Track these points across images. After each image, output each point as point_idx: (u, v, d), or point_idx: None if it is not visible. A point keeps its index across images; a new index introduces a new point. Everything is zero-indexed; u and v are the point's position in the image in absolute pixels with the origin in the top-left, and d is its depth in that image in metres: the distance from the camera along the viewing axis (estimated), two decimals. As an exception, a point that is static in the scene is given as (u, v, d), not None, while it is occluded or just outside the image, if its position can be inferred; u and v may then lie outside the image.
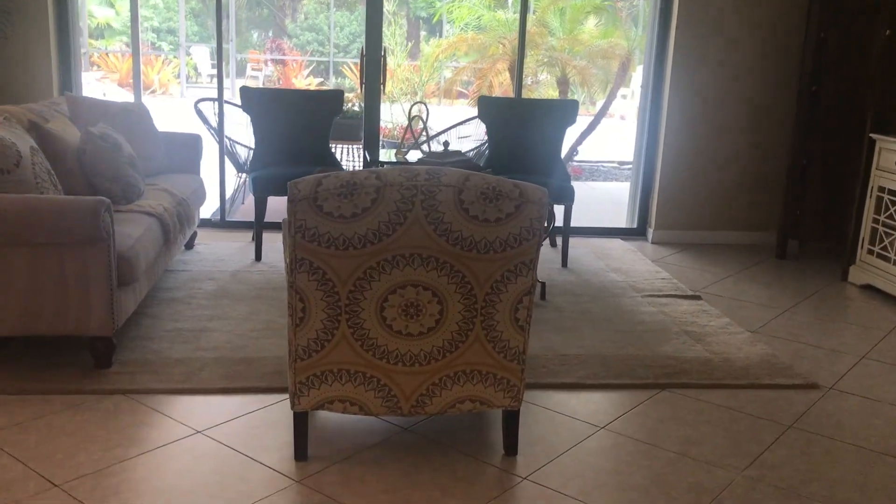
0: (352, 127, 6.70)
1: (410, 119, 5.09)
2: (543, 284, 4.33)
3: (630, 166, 6.85)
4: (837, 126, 5.20)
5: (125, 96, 12.28)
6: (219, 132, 5.69)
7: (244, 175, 6.13)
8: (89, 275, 3.06)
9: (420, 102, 5.40)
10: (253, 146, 5.23)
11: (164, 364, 3.25)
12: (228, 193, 6.16)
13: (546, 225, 5.26)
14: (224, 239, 5.28)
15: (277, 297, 4.10)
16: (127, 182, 3.85)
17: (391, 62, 11.96)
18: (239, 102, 5.17)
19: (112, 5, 16.09)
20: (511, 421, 2.69)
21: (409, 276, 2.43)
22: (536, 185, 2.45)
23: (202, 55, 16.73)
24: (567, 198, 4.87)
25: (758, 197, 5.74)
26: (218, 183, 5.63)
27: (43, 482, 2.42)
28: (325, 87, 14.35)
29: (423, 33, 16.06)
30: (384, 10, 5.42)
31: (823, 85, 5.15)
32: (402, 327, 2.48)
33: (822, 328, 4.11)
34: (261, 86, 14.54)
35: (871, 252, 4.71)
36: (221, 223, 5.63)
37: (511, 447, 2.70)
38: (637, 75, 10.86)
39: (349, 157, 7.50)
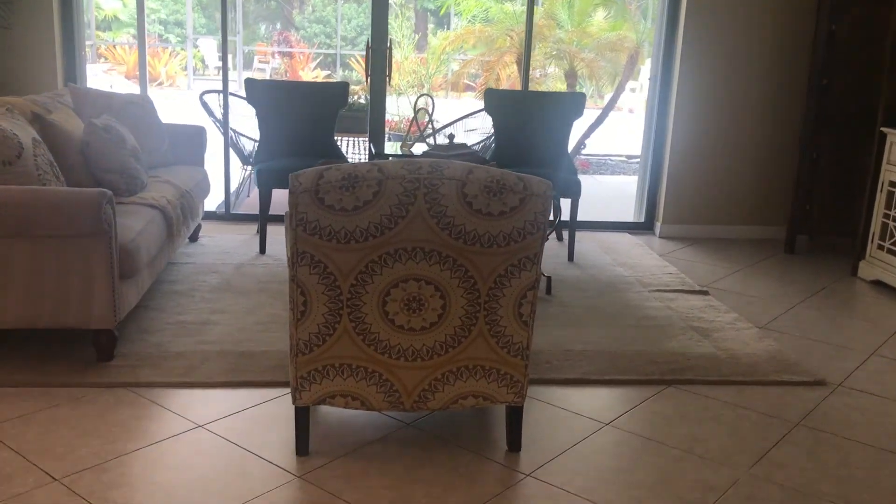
0: (358, 119, 6.67)
1: (416, 112, 5.05)
2: (549, 279, 4.29)
3: (638, 160, 6.80)
4: (848, 120, 5.14)
5: (132, 88, 12.28)
6: (224, 124, 5.67)
7: (249, 167, 6.11)
8: (91, 267, 3.04)
9: (426, 95, 5.36)
10: (258, 138, 5.20)
11: (166, 357, 3.23)
12: (234, 186, 6.14)
13: (552, 219, 5.24)
14: (229, 232, 5.26)
15: (281, 291, 4.08)
16: (130, 174, 3.83)
17: (398, 55, 11.92)
18: (244, 95, 5.14)
19: (119, -3, 16.08)
20: (514, 417, 2.66)
21: (412, 270, 2.40)
22: (541, 179, 2.42)
23: (209, 47, 16.71)
24: (574, 191, 4.83)
25: (767, 191, 5.69)
26: (223, 175, 5.61)
27: (43, 476, 2.40)
28: (331, 80, 14.31)
29: (430, 26, 16.00)
30: (390, 1, 5.38)
31: (834, 78, 5.10)
32: (404, 322, 2.45)
33: (831, 324, 4.06)
34: (268, 78, 14.52)
35: (881, 247, 4.66)
36: (226, 216, 5.62)
37: (514, 443, 2.67)
38: (646, 68, 10.79)
39: (355, 149, 7.48)
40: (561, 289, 4.34)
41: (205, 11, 17.27)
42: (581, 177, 5.08)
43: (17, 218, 2.94)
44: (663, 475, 2.57)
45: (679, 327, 3.84)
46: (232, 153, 5.72)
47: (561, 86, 10.89)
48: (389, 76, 5.45)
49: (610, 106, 10.12)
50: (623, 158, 10.37)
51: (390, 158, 4.46)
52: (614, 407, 3.04)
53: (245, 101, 5.20)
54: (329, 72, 15.93)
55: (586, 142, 9.58)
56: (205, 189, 4.76)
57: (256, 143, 5.34)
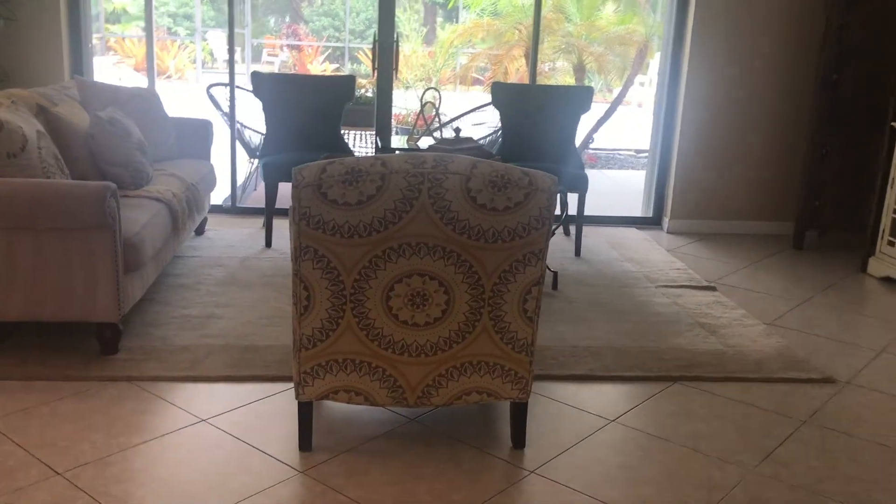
0: (365, 113, 6.64)
1: (423, 105, 5.03)
2: (556, 274, 4.27)
3: (646, 154, 6.76)
4: (858, 115, 5.09)
5: (141, 81, 12.29)
6: (230, 118, 5.66)
7: (256, 161, 6.10)
8: (95, 260, 3.03)
9: (432, 88, 5.33)
10: (264, 132, 5.19)
11: (171, 351, 3.22)
12: (241, 179, 6.14)
13: (559, 214, 5.22)
14: (235, 225, 5.26)
15: (286, 285, 4.07)
16: (135, 167, 3.82)
17: (406, 48, 11.90)
18: (251, 88, 5.13)
19: (128, -10, 16.08)
20: (519, 413, 2.64)
21: (416, 265, 2.38)
22: (546, 173, 2.40)
23: (218, 40, 16.69)
24: (581, 186, 4.80)
25: (775, 186, 5.65)
26: (229, 169, 5.60)
27: (45, 469, 2.40)
28: (338, 73, 14.28)
29: (439, 19, 15.95)
30: (398, -6, 5.35)
31: (844, 72, 5.04)
32: (407, 317, 2.44)
33: (840, 321, 4.03)
34: (276, 71, 14.51)
35: (891, 243, 4.61)
36: (233, 209, 5.61)
37: (518, 440, 2.66)
38: (655, 62, 10.72)
39: (362, 143, 7.46)
40: (567, 284, 4.32)
41: (213, 4, 17.25)
42: (589, 171, 5.05)
43: (20, 211, 2.93)
44: (669, 473, 2.55)
45: (686, 323, 3.81)
46: (239, 146, 5.71)
47: (569, 80, 10.83)
48: (396, 70, 5.43)
49: (618, 100, 10.07)
50: (631, 153, 10.32)
51: (397, 152, 4.45)
52: (620, 403, 3.02)
53: (252, 95, 5.18)
54: (337, 65, 15.89)
55: (594, 136, 9.53)
56: (211, 182, 4.75)
57: (263, 137, 5.32)
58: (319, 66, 15.06)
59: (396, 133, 6.88)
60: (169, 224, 3.71)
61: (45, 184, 3.00)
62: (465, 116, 6.73)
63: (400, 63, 5.47)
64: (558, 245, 5.09)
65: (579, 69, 10.39)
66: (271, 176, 4.69)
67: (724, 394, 3.13)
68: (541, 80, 9.66)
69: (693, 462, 2.62)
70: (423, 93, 5.07)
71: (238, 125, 5.73)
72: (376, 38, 5.35)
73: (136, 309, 3.61)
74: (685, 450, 2.70)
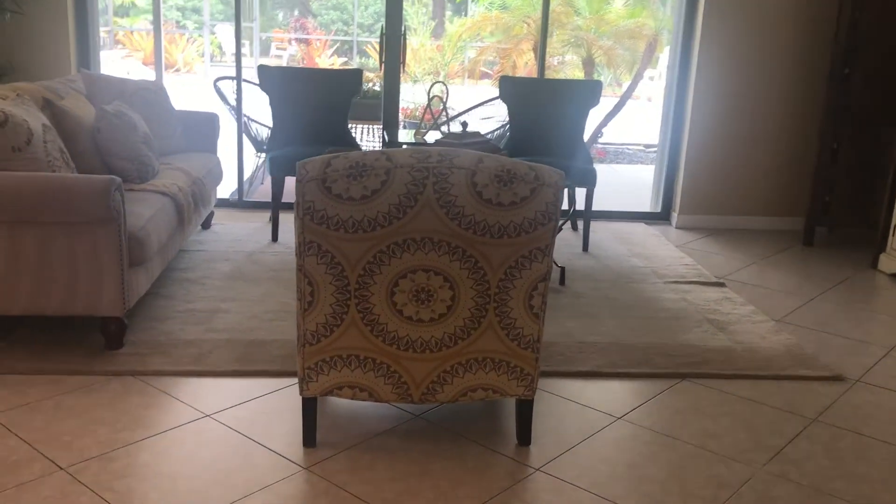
0: (372, 107, 6.62)
1: (430, 99, 5.00)
2: (563, 269, 4.24)
3: (655, 149, 6.72)
4: (869, 109, 5.04)
5: (149, 75, 12.29)
6: (237, 111, 5.65)
7: (263, 155, 6.09)
8: (100, 255, 3.02)
9: (440, 82, 5.31)
10: (271, 126, 5.17)
11: (175, 345, 3.21)
12: (248, 173, 6.13)
13: (567, 208, 5.19)
14: (241, 219, 5.25)
15: (293, 279, 4.05)
16: (141, 161, 3.81)
17: (415, 41, 11.86)
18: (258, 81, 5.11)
19: (137, -17, 16.09)
20: (524, 410, 2.62)
21: (420, 260, 2.36)
22: (553, 168, 2.37)
23: (227, 34, 16.69)
24: (589, 181, 4.76)
25: (786, 182, 5.60)
26: (236, 163, 5.59)
27: (48, 464, 2.39)
28: (346, 67, 14.26)
29: (447, 12, 15.90)
30: (405, -13, 5.32)
31: (857, 67, 4.99)
32: (412, 313, 2.42)
33: (850, 318, 3.99)
34: (284, 65, 14.49)
35: (902, 240, 4.57)
36: (239, 203, 5.60)
37: (524, 437, 2.63)
38: (664, 56, 10.66)
39: (370, 137, 7.43)
40: (575, 279, 4.29)
41: (222, -3, 17.23)
42: (597, 166, 5.02)
43: (25, 204, 2.92)
44: (676, 471, 2.53)
45: (694, 320, 3.78)
46: (246, 140, 5.70)
47: (578, 74, 10.78)
48: (404, 63, 5.40)
49: (627, 94, 10.01)
50: (640, 147, 10.26)
51: (404, 146, 4.43)
52: (627, 400, 2.99)
53: (259, 88, 5.16)
54: (346, 59, 15.87)
55: (603, 130, 9.48)
56: (217, 176, 4.74)
57: (270, 131, 5.31)
58: (328, 60, 15.05)
59: (404, 127, 6.86)
60: (174, 218, 3.70)
61: (50, 177, 2.99)
62: (473, 110, 6.70)
63: (408, 57, 5.44)
64: (566, 240, 5.07)
65: (588, 63, 10.34)
66: (278, 170, 4.68)
67: (732, 391, 3.10)
68: (549, 74, 9.61)
69: (700, 460, 2.60)
70: (431, 87, 5.04)
71: (245, 119, 5.71)
72: (384, 31, 5.33)
73: (142, 303, 3.61)
74: (692, 448, 2.67)
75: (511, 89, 5.18)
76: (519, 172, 2.32)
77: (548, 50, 5.77)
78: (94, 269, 3.03)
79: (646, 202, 6.06)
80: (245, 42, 15.62)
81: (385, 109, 5.48)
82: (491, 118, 8.90)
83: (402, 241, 2.33)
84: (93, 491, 2.27)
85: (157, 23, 6.41)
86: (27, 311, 3.06)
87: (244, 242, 4.69)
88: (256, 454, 2.51)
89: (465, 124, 4.25)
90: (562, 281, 4.21)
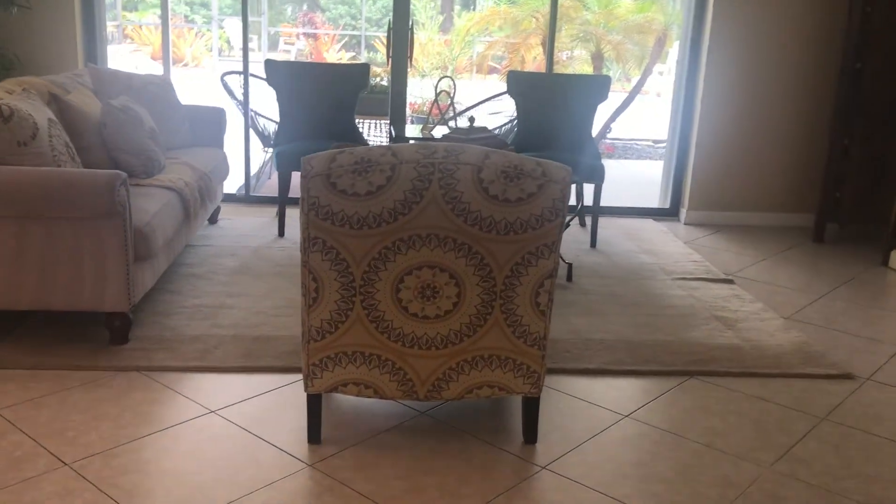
0: (380, 102, 6.60)
1: (437, 94, 4.97)
2: (570, 265, 4.22)
3: (664, 145, 6.68)
4: (880, 105, 4.99)
5: (157, 69, 12.30)
6: (244, 106, 5.64)
7: (270, 150, 6.08)
8: (105, 250, 3.01)
9: (447, 77, 5.28)
10: (278, 120, 5.16)
11: (181, 341, 3.21)
12: (255, 168, 6.12)
13: (575, 204, 5.16)
14: (248, 214, 5.24)
15: (299, 275, 4.03)
16: (147, 156, 3.80)
17: (422, 36, 11.82)
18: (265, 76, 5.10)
19: (146, -23, 16.09)
20: (531, 408, 2.60)
21: (426, 257, 2.34)
22: (560, 164, 2.35)
23: (235, 28, 16.68)
24: (597, 177, 4.74)
25: (796, 178, 5.56)
26: (243, 158, 5.58)
27: (53, 460, 2.39)
28: (354, 62, 14.24)
29: (455, 7, 15.85)
30: (413, -19, 5.29)
31: (867, 62, 4.94)
32: (418, 310, 2.40)
33: (860, 315, 3.95)
34: (292, 60, 14.48)
35: (913, 237, 4.53)
36: (246, 198, 5.59)
37: (530, 435, 2.62)
38: (673, 51, 10.60)
39: (377, 132, 7.42)
40: (582, 276, 4.27)
41: (230, -8, 17.21)
42: (605, 161, 4.98)
43: (30, 199, 2.92)
44: (683, 470, 2.51)
45: (702, 317, 3.75)
46: (253, 135, 5.69)
47: (587, 69, 10.73)
48: (411, 58, 5.38)
49: (636, 89, 9.96)
50: (649, 143, 10.21)
51: (411, 142, 4.41)
52: (634, 398, 2.97)
53: (266, 83, 5.14)
54: (354, 53, 15.85)
55: (612, 125, 9.44)
56: (223, 171, 4.73)
57: (277, 125, 5.30)
58: (336, 55, 15.03)
59: (412, 122, 6.84)
60: (180, 213, 3.69)
61: (55, 172, 2.98)
62: (480, 105, 6.67)
63: (416, 51, 5.42)
64: (574, 236, 5.04)
65: (597, 58, 10.28)
66: (284, 165, 4.66)
67: (740, 389, 3.07)
68: (558, 69, 9.57)
69: (708, 459, 2.58)
70: (438, 81, 5.01)
71: (252, 113, 5.70)
72: (391, 25, 5.30)
73: (147, 298, 3.60)
74: (700, 446, 2.65)
75: (519, 84, 5.15)
76: (526, 168, 2.30)
77: (556, 45, 5.73)
78: (100, 264, 3.02)
79: (654, 198, 6.02)
80: (253, 36, 15.61)
81: (392, 104, 5.46)
82: (499, 113, 8.86)
83: (408, 238, 2.32)
84: (97, 487, 2.26)
85: (165, 17, 6.41)
86: (32, 306, 3.05)
87: (251, 238, 4.68)
88: (261, 451, 2.50)
89: (472, 119, 4.23)
90: (569, 277, 4.19)
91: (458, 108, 6.10)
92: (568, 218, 2.33)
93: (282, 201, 4.78)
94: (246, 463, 2.43)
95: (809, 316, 3.90)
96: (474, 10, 14.82)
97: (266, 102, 5.91)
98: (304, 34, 16.13)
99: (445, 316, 2.41)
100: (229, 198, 5.45)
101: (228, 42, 16.66)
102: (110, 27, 14.24)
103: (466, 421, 2.73)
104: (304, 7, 17.63)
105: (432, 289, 2.38)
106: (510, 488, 2.37)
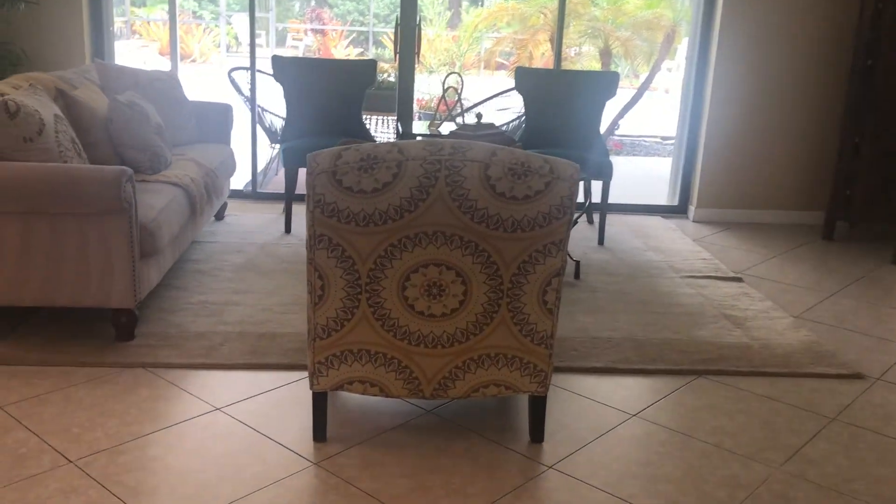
0: (387, 98, 6.58)
1: (445, 90, 4.95)
2: (578, 263, 4.19)
3: (672, 141, 6.64)
4: (892, 102, 4.94)
5: (165, 65, 12.30)
6: (251, 102, 5.63)
7: (277, 146, 6.07)
8: (111, 246, 3.01)
9: (455, 73, 5.26)
10: (285, 117, 5.14)
11: (186, 338, 3.20)
12: (262, 164, 6.11)
13: (583, 201, 5.13)
14: (255, 210, 5.23)
15: (305, 272, 4.02)
16: (154, 152, 3.79)
17: (430, 32, 11.79)
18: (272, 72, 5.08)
19: (154, -27, 16.09)
20: (537, 407, 2.58)
21: (432, 254, 2.32)
22: (568, 161, 2.32)
23: (243, 24, 16.67)
24: (605, 173, 4.71)
25: (805, 175, 5.52)
26: (250, 154, 5.57)
27: (57, 457, 2.38)
28: (361, 57, 14.21)
29: (463, 3, 15.80)
30: (420, -23, 5.27)
31: (879, 58, 4.89)
32: (424, 308, 2.38)
33: (870, 314, 3.92)
34: (300, 56, 14.47)
35: (924, 235, 4.48)
36: (253, 194, 5.58)
37: (537, 434, 2.60)
38: (682, 47, 10.55)
39: (385, 128, 7.40)
40: (590, 273, 4.24)
41: (238, -12, 17.19)
42: (613, 158, 4.96)
43: (36, 195, 2.91)
44: (691, 470, 2.48)
45: (711, 315, 3.72)
46: (260, 131, 5.68)
47: (595, 65, 10.68)
48: (418, 54, 5.36)
49: (645, 86, 9.91)
50: (657, 139, 10.17)
51: (418, 138, 4.39)
52: (641, 397, 2.95)
53: (273, 79, 5.13)
54: (361, 49, 15.82)
55: (620, 122, 9.40)
56: (230, 167, 4.72)
57: (284, 121, 5.28)
58: (343, 51, 15.01)
59: (419, 118, 6.82)
60: (186, 209, 3.68)
61: (61, 168, 2.97)
62: (488, 102, 6.64)
63: (423, 47, 5.39)
64: (581, 233, 5.01)
65: (605, 54, 10.24)
66: (291, 161, 4.65)
67: (749, 388, 3.05)
68: (566, 65, 9.53)
69: (716, 459, 2.55)
70: (446, 77, 4.99)
71: (259, 109, 5.69)
72: (398, 21, 5.28)
73: (153, 295, 3.59)
74: (708, 446, 2.63)
75: (527, 80, 5.13)
76: (533, 165, 2.28)
77: (564, 41, 5.70)
78: (106, 260, 3.01)
79: (663, 195, 5.99)
80: (261, 32, 15.60)
81: (399, 100, 5.44)
82: (506, 109, 8.83)
83: (414, 235, 2.30)
84: (101, 485, 2.26)
85: (172, 13, 6.39)
86: (38, 302, 3.05)
87: (257, 234, 4.67)
88: (266, 448, 2.49)
89: (480, 116, 4.21)
90: (577, 275, 4.16)
91: (466, 104, 6.07)
92: (575, 215, 2.30)
93: (288, 198, 4.77)
94: (251, 461, 2.42)
95: (819, 315, 3.87)
96: (482, 6, 14.77)
97: (273, 98, 5.90)
98: (312, 30, 16.11)
99: (452, 314, 2.40)
100: (236, 194, 5.44)
101: (236, 38, 16.65)
102: (119, 23, 14.26)
103: (473, 419, 2.72)
104: (312, 3, 17.61)
105: (438, 287, 2.36)
106: (516, 487, 2.36)
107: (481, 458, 2.49)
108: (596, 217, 5.23)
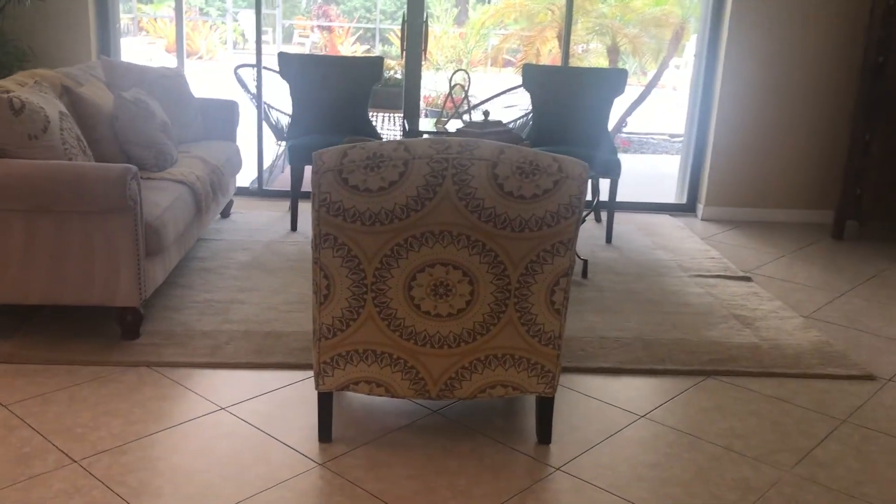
0: (393, 95, 6.56)
1: (452, 87, 4.92)
2: (585, 262, 4.16)
3: (681, 139, 6.60)
4: (904, 100, 4.90)
5: (172, 62, 12.29)
6: (257, 99, 5.61)
7: (283, 143, 6.05)
8: (116, 244, 2.99)
9: (462, 70, 5.23)
10: (291, 114, 5.12)
11: (192, 336, 3.18)
12: (269, 161, 6.09)
13: (591, 199, 5.10)
14: (261, 208, 5.21)
15: (310, 269, 4.00)
16: (159, 149, 3.78)
17: (437, 29, 11.76)
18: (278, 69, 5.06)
19: (161, -30, 16.09)
20: (545, 408, 2.56)
21: (439, 254, 2.30)
22: (577, 160, 2.29)
23: (250, 21, 16.67)
24: (613, 171, 4.67)
25: (815, 174, 5.47)
26: (256, 151, 5.55)
27: (61, 457, 2.37)
28: (368, 54, 14.19)
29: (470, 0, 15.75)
30: (428, -27, 5.24)
31: (890, 55, 4.84)
32: (430, 308, 2.36)
33: (882, 314, 3.88)
34: (307, 52, 14.45)
35: (936, 234, 4.44)
36: (259, 192, 5.56)
37: (544, 435, 2.57)
38: (690, 44, 10.49)
39: (391, 125, 7.37)
40: (597, 272, 4.21)
41: (245, -16, 17.18)
42: (621, 156, 4.92)
43: (41, 193, 2.89)
44: (700, 472, 2.46)
45: (720, 315, 3.69)
46: (266, 128, 5.66)
47: (603, 62, 10.64)
48: (425, 51, 5.33)
49: (653, 83, 9.85)
50: (665, 137, 10.12)
51: (425, 136, 4.36)
52: (650, 398, 2.92)
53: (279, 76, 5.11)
54: (368, 46, 15.80)
55: (627, 119, 9.36)
56: (236, 165, 4.70)
57: (290, 119, 5.26)
58: (350, 48, 14.99)
59: (426, 115, 6.79)
60: (192, 207, 3.66)
61: (66, 166, 2.95)
62: (495, 99, 6.61)
63: (430, 44, 5.37)
64: (589, 232, 4.98)
65: (613, 51, 10.19)
66: (297, 159, 4.63)
67: (759, 389, 3.02)
68: (573, 62, 9.48)
69: (726, 461, 2.52)
70: (453, 74, 4.96)
71: (265, 106, 5.67)
72: (405, 18, 5.25)
73: (159, 292, 3.58)
74: (718, 448, 2.60)
75: (534, 77, 5.09)
76: (542, 164, 2.25)
77: (572, 37, 5.67)
78: (111, 258, 2.99)
79: (671, 193, 5.95)
80: (268, 29, 15.60)
81: (406, 98, 5.42)
82: (514, 107, 8.80)
83: (421, 235, 2.27)
84: (105, 485, 2.24)
85: (179, 9, 6.37)
86: (43, 301, 3.03)
87: (263, 232, 4.65)
88: (271, 449, 2.47)
89: (487, 113, 4.18)
90: (584, 274, 4.13)
91: (473, 101, 6.05)
92: (583, 213, 2.28)
93: (294, 195, 4.75)
94: (256, 461, 2.40)
95: (829, 315, 3.83)
96: (489, 2, 14.72)
97: (279, 95, 5.88)
98: (319, 27, 16.09)
99: (458, 314, 2.37)
100: (242, 191, 5.42)
101: (243, 35, 16.65)
102: (126, 19, 14.25)
103: (479, 420, 2.69)
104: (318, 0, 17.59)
105: (445, 286, 2.34)
106: (523, 489, 2.33)
107: (487, 460, 2.47)
108: (604, 215, 5.19)
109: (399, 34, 5.72)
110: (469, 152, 2.22)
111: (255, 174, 5.63)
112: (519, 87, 5.60)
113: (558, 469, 2.44)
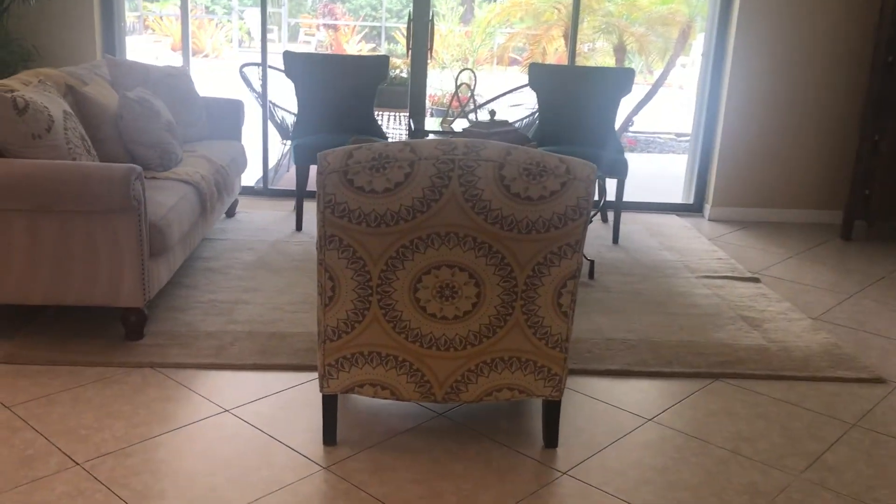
0: (399, 94, 6.53)
1: (457, 86, 4.90)
2: (592, 262, 4.14)
3: (688, 138, 6.56)
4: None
5: (177, 60, 12.29)
6: (262, 98, 5.59)
7: (289, 142, 6.03)
8: (120, 244, 2.97)
9: (468, 69, 5.20)
10: (296, 113, 5.10)
11: (196, 337, 3.16)
12: (274, 161, 6.07)
13: (597, 200, 5.06)
14: (266, 207, 5.19)
15: (315, 270, 3.99)
16: (164, 149, 3.76)
17: (443, 27, 11.73)
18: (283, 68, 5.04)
19: (167, -32, 16.09)
20: (551, 411, 2.53)
21: (445, 256, 2.27)
22: (584, 161, 2.27)
23: (255, 19, 16.66)
24: (620, 171, 4.64)
25: (823, 174, 5.43)
26: (261, 150, 5.53)
27: (64, 459, 2.35)
28: (373, 53, 14.16)
29: (476, -2, 15.72)
30: (433, -28, 5.21)
31: (900, 55, 4.81)
32: (436, 310, 2.33)
33: (891, 316, 3.84)
34: (312, 51, 14.43)
35: (946, 235, 4.40)
36: (264, 191, 5.55)
37: (551, 439, 2.55)
38: (697, 43, 10.45)
39: (397, 124, 7.35)
40: (604, 273, 4.19)
41: (251, -17, 17.16)
42: (628, 155, 4.89)
43: (44, 192, 2.88)
44: (708, 477, 2.43)
45: (727, 317, 3.66)
46: (271, 127, 5.64)
47: (609, 61, 10.60)
48: (431, 49, 5.30)
49: (660, 82, 9.81)
50: (672, 136, 10.08)
51: (430, 136, 4.34)
52: (657, 401, 2.89)
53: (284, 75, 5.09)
54: (374, 45, 15.77)
55: (634, 119, 9.32)
56: (241, 164, 4.68)
57: (295, 118, 5.24)
58: (356, 46, 14.97)
59: (431, 115, 6.77)
60: (197, 207, 3.64)
61: (69, 166, 2.94)
62: (501, 98, 6.58)
63: (436, 43, 5.34)
64: (596, 232, 4.95)
65: (620, 50, 10.15)
66: (303, 158, 4.61)
67: (767, 393, 2.99)
68: (580, 61, 9.45)
69: (734, 466, 2.50)
70: (459, 73, 4.94)
71: (270, 105, 5.65)
72: (411, 17, 5.23)
73: (163, 293, 3.56)
74: (726, 452, 2.57)
75: (541, 76, 5.07)
76: (549, 165, 2.22)
77: (578, 36, 5.63)
78: (115, 258, 2.98)
79: (678, 193, 5.92)
80: (274, 28, 15.58)
81: (412, 97, 5.39)
82: (520, 106, 8.77)
83: (426, 236, 2.25)
84: (108, 488, 2.22)
85: (184, 8, 6.36)
86: (46, 301, 3.02)
87: (268, 231, 4.63)
88: (276, 452, 2.45)
89: (493, 112, 4.15)
90: (591, 274, 4.11)
91: (479, 100, 6.02)
92: (590, 216, 2.26)
93: (300, 195, 4.73)
94: (259, 464, 2.38)
95: (838, 316, 3.80)
96: (495, 1, 14.69)
97: (285, 94, 5.86)
98: (325, 25, 16.08)
99: (464, 316, 2.35)
100: (247, 191, 5.41)
101: (249, 33, 16.64)
102: (131, 18, 14.26)
103: (485, 423, 2.67)
104: (325, -2, 17.56)
105: (451, 289, 2.31)
106: (530, 494, 2.31)
107: (494, 463, 2.45)
108: (610, 215, 5.17)
109: (404, 32, 5.70)
110: (475, 153, 2.20)
111: (260, 173, 5.62)
112: (525, 86, 5.57)
113: (565, 473, 2.42)
